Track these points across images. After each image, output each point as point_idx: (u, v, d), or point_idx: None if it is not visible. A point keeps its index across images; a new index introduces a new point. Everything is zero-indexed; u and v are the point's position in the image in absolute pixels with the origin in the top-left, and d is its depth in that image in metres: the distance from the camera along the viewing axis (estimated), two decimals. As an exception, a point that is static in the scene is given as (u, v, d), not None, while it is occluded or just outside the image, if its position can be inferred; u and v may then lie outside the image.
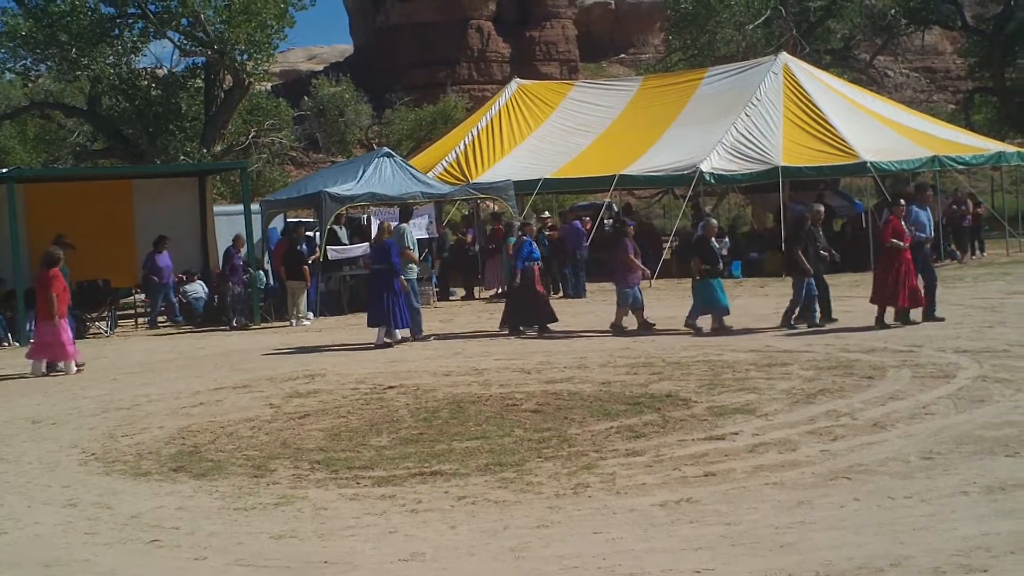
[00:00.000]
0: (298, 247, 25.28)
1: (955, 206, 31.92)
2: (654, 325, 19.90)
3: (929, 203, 19.89)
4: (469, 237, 31.01)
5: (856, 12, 52.70)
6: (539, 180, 32.62)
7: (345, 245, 27.75)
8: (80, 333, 22.98)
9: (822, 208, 21.27)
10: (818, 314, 19.05)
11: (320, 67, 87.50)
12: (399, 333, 20.03)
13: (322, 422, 12.65)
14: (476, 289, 29.69)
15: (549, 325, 20.40)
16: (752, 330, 19.02)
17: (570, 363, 16.28)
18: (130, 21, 39.18)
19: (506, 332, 20.54)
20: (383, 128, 67.19)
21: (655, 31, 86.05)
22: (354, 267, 27.26)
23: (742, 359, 15.66)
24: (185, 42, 39.23)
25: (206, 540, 8.36)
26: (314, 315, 25.53)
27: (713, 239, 19.98)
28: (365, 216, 29.65)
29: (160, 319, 26.65)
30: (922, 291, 18.59)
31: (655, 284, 28.05)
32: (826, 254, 19.56)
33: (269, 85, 63.13)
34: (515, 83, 40.55)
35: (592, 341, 19.03)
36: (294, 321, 24.75)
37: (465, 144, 36.36)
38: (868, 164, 30.01)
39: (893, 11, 53.88)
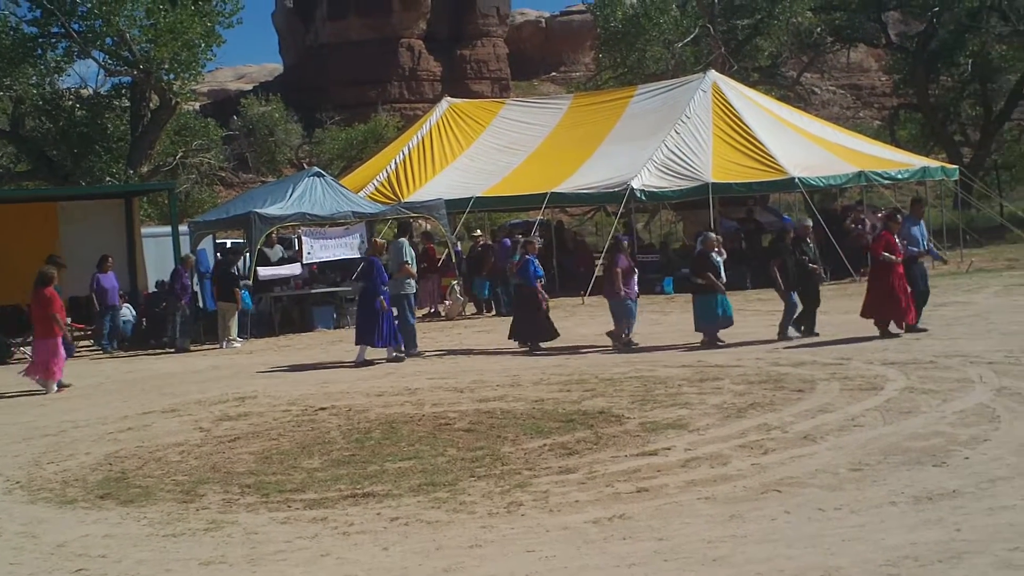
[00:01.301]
0: (231, 269, 25.10)
1: (856, 225, 32.21)
2: (637, 344, 19.60)
3: (922, 217, 20.02)
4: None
5: (783, 30, 53.18)
6: (471, 198, 32.58)
7: (276, 265, 27.55)
8: (2, 358, 22.67)
9: (810, 222, 21.32)
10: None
11: (249, 86, 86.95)
12: (374, 351, 19.87)
13: (253, 445, 12.53)
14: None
15: (541, 344, 20.12)
16: (678, 346, 19.10)
17: (503, 381, 16.26)
18: (53, 41, 38.68)
19: (526, 347, 20.26)
20: (314, 147, 66.89)
21: (585, 49, 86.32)
22: (285, 288, 27.10)
23: (674, 374, 15.72)
24: (110, 62, 38.80)
25: (134, 568, 8.24)
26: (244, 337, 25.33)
27: (714, 252, 19.79)
28: (296, 236, 29.48)
29: (86, 343, 26.21)
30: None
31: (588, 301, 28.15)
32: (815, 267, 19.61)
33: (197, 105, 62.73)
34: (446, 102, 40.52)
35: (524, 360, 19.02)
36: (224, 343, 24.53)
37: (396, 163, 36.23)
38: (796, 180, 30.28)
39: (819, 29, 54.46)
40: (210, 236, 29.37)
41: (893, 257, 18.34)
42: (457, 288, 28.42)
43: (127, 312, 26.34)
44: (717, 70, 39.88)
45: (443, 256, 30.26)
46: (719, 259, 19.82)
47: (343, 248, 27.33)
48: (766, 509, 8.60)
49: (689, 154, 31.87)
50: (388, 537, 8.58)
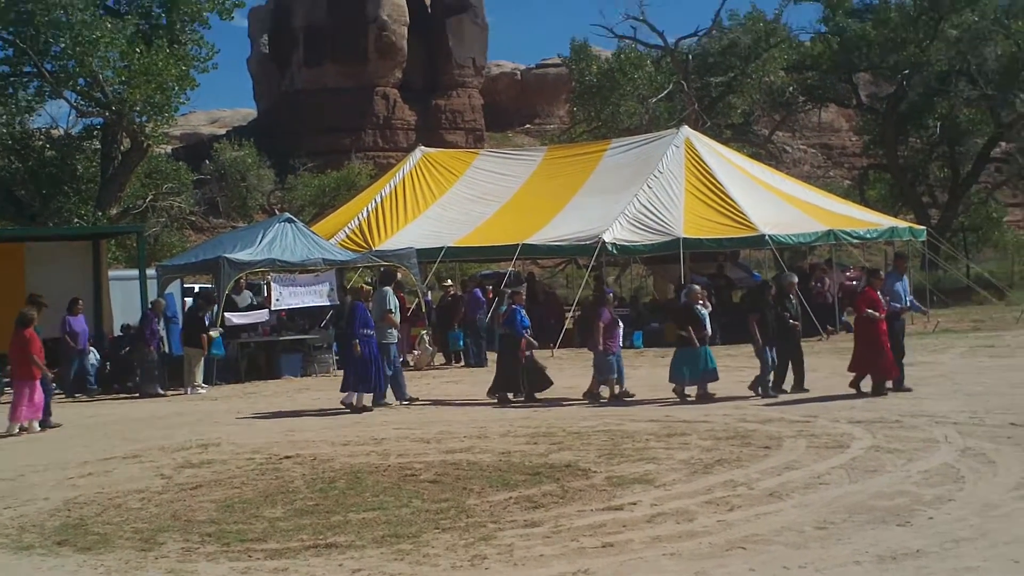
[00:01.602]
0: (199, 314, 24.99)
1: (815, 283, 32.34)
2: (633, 396, 19.53)
3: (905, 273, 20.19)
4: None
5: (756, 89, 53.62)
6: (442, 248, 32.56)
7: (244, 311, 27.44)
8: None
9: (795, 278, 21.30)
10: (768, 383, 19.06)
11: (223, 131, 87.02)
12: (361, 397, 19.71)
13: (214, 493, 12.41)
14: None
15: (536, 395, 19.97)
16: (650, 401, 19.09)
17: (470, 433, 16.19)
18: (25, 80, 38.64)
19: (499, 398, 20.13)
20: (285, 194, 66.86)
21: (560, 102, 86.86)
22: (252, 334, 26.97)
23: (642, 429, 15.69)
24: (82, 102, 38.74)
25: (90, 614, 8.12)
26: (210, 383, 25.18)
27: (698, 304, 19.73)
28: (266, 282, 29.38)
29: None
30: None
31: (557, 354, 28.12)
32: (797, 324, 19.52)
33: (169, 148, 62.66)
34: (419, 151, 40.59)
35: (492, 411, 18.97)
36: (189, 389, 24.36)
37: (368, 211, 36.21)
38: (767, 237, 30.43)
39: (791, 88, 54.90)
40: (178, 280, 29.19)
41: (876, 314, 18.41)
42: (426, 338, 28.35)
43: (92, 356, 26.10)
44: (690, 126, 40.09)
45: (413, 305, 30.19)
46: (704, 311, 19.77)
47: (313, 295, 27.21)
48: (731, 566, 8.56)
49: (661, 209, 31.99)
50: (349, 589, 8.50)
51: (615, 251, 31.32)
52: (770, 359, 19.01)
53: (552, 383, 20.29)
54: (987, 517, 9.77)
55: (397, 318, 21.05)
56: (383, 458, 14.21)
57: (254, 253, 26.42)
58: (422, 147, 42.37)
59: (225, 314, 26.10)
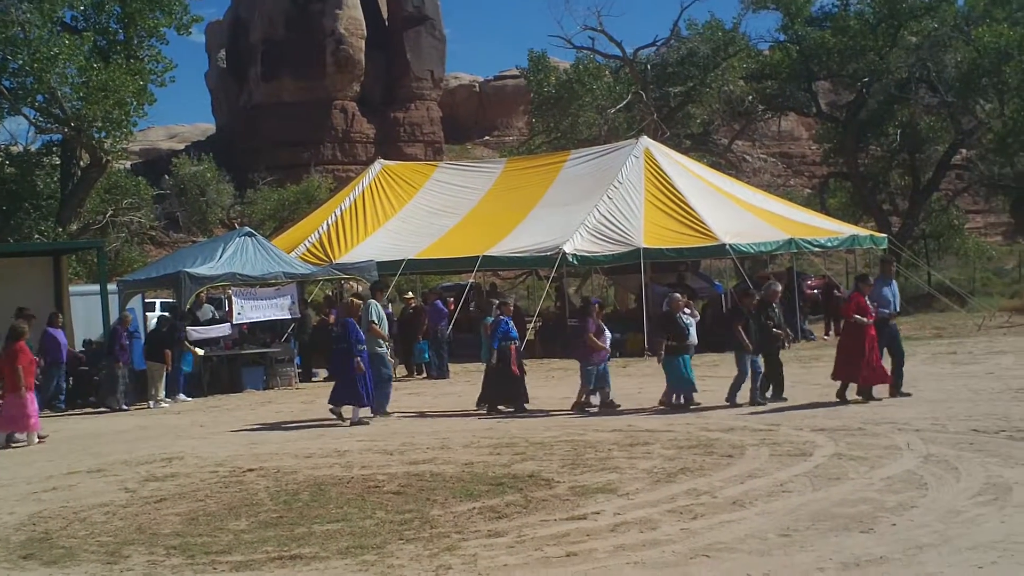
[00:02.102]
0: (162, 329, 24.90)
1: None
2: (619, 407, 19.49)
3: (893, 277, 20.11)
4: (332, 317, 30.68)
5: (715, 98, 53.79)
6: (403, 261, 32.54)
7: (205, 325, 27.35)
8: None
9: (779, 287, 21.14)
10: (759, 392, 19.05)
11: (181, 146, 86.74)
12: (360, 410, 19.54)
13: (179, 506, 12.36)
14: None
15: (525, 406, 19.90)
16: (645, 409, 19.14)
17: (433, 444, 16.18)
18: (-18, 97, 38.39)
19: (483, 410, 20.05)
20: (245, 208, 66.60)
21: (519, 114, 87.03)
22: (215, 348, 26.88)
23: (604, 439, 15.72)
24: (41, 119, 38.46)
25: (54, 630, 8.07)
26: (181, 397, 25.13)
27: (681, 313, 19.56)
28: (227, 296, 29.29)
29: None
30: (888, 367, 18.81)
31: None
32: (780, 332, 19.52)
33: (128, 163, 62.40)
34: (379, 164, 40.59)
35: (455, 421, 18.97)
36: (152, 403, 24.25)
37: (328, 224, 36.19)
38: (727, 246, 30.57)
39: (750, 97, 55.12)
40: (139, 295, 29.05)
41: (864, 319, 18.45)
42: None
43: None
44: (650, 136, 40.24)
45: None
46: (688, 320, 19.65)
47: (274, 309, 27.17)
48: (695, 574, 8.59)
49: (621, 219, 32.08)
50: (315, 601, 8.48)
51: (576, 262, 31.39)
52: (753, 368, 18.92)
53: (528, 400, 20.13)
54: (950, 523, 9.84)
55: (384, 329, 20.86)
56: (346, 470, 14.18)
57: (215, 267, 26.36)
58: (381, 160, 42.39)
59: (187, 328, 26.01)
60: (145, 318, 28.85)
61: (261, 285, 26.91)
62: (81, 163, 39.80)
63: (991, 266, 59.21)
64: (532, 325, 33.03)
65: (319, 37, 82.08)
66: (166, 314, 27.35)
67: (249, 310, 26.75)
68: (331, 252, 34.23)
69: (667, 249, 31.16)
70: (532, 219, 33.90)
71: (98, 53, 37.55)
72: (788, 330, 20.42)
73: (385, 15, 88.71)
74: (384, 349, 20.68)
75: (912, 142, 51.50)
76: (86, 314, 26.70)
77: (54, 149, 40.77)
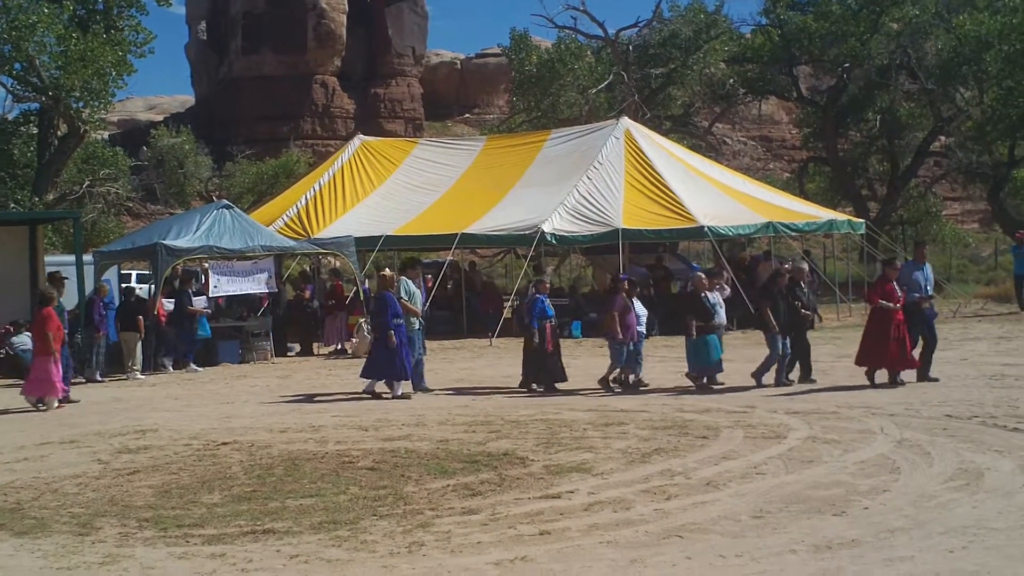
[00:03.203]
0: (132, 298, 24.81)
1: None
2: (647, 385, 19.37)
3: (925, 261, 19.68)
4: (307, 293, 30.60)
5: (696, 80, 53.80)
6: (381, 237, 32.45)
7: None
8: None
9: (805, 266, 20.84)
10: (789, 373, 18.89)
11: (160, 117, 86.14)
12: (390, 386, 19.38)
13: (152, 479, 12.33)
14: (315, 345, 29.34)
15: (556, 384, 19.54)
16: (588, 390, 19.15)
17: (408, 421, 16.17)
18: (-41, 65, 38.14)
19: (521, 388, 19.71)
20: (223, 181, 66.36)
21: (500, 92, 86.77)
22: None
23: (580, 418, 15.74)
24: (18, 87, 38.27)
25: (24, 600, 8.05)
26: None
27: (707, 293, 19.35)
28: (203, 269, 29.15)
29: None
30: (917, 352, 18.53)
31: (496, 343, 28.16)
32: (808, 313, 19.12)
33: (106, 134, 62.08)
34: (358, 139, 40.40)
35: (430, 400, 18.96)
36: (128, 375, 24.19)
37: (307, 199, 36.00)
38: (705, 228, 30.59)
39: (731, 81, 55.17)
40: (115, 267, 28.90)
41: (890, 304, 18.13)
42: (365, 326, 28.19)
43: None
44: (630, 117, 40.23)
45: (351, 294, 30.06)
46: (715, 298, 19.48)
47: (251, 283, 27.04)
48: (668, 555, 8.61)
49: (600, 200, 32.06)
50: (287, 575, 8.47)
51: (554, 241, 31.36)
52: (778, 349, 18.69)
53: (566, 379, 19.77)
54: (922, 507, 9.89)
55: (418, 307, 20.44)
56: (321, 445, 14.17)
57: (192, 240, 26.21)
58: (361, 135, 42.19)
59: (163, 300, 25.94)
60: (120, 289, 28.56)
61: (238, 258, 26.79)
62: (58, 133, 39.67)
63: (967, 253, 59.52)
64: (509, 304, 33.04)
65: (301, 11, 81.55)
66: (135, 286, 27.29)
67: (226, 283, 26.62)
68: (309, 227, 34.07)
69: (646, 230, 31.15)
70: (511, 198, 33.84)
71: (77, 22, 37.40)
72: (817, 310, 19.97)
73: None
74: (417, 326, 20.31)
75: (891, 128, 51.70)
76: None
77: (31, 118, 40.61)
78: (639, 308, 19.95)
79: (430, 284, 31.07)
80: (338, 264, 33.72)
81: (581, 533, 9.33)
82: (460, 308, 32.92)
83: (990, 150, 48.07)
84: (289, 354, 28.77)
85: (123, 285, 28.64)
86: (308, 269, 35.26)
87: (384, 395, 19.23)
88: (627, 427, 14.75)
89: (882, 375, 18.46)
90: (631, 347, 19.45)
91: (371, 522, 9.92)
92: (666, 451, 12.89)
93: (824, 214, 36.30)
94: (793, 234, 34.82)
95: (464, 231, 32.01)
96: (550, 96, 52.69)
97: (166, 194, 65.63)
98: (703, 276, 19.99)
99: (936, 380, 18.49)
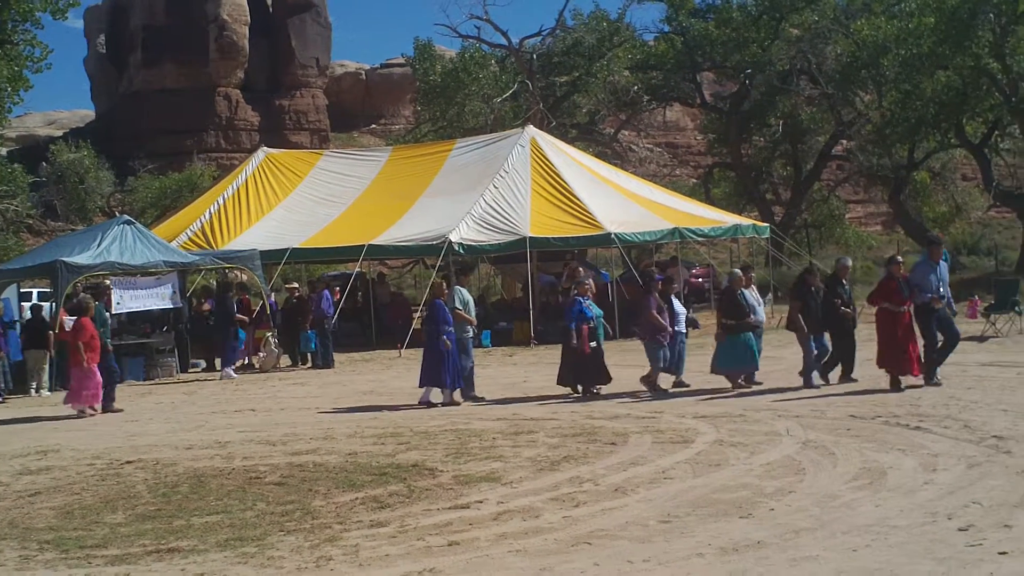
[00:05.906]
0: (40, 314, 24.44)
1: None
2: (688, 385, 19.21)
3: (939, 260, 18.27)
4: (206, 307, 30.15)
5: (600, 88, 54.05)
6: (287, 249, 32.22)
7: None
8: None
9: (849, 261, 20.39)
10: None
11: (60, 132, 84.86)
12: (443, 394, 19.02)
13: (54, 500, 12.10)
14: (217, 360, 28.99)
15: (600, 387, 19.22)
16: (504, 400, 19.14)
17: (316, 434, 16.04)
18: None
19: (573, 391, 19.32)
20: (126, 196, 65.47)
21: (405, 102, 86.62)
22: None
23: (489, 427, 15.72)
24: (-87, 104, 37.49)
25: (-81, 629, 7.84)
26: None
27: (744, 290, 19.00)
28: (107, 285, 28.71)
29: None
30: (921, 354, 17.83)
31: (405, 354, 28.07)
32: (848, 311, 18.61)
33: (4, 150, 60.86)
34: (262, 152, 40.09)
35: (339, 413, 18.83)
36: (34, 392, 23.80)
37: (211, 212, 35.64)
38: (613, 235, 30.76)
39: (636, 88, 55.52)
40: (14, 285, 28.38)
41: (893, 307, 17.67)
42: (272, 340, 27.97)
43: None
44: (536, 126, 40.33)
45: (257, 308, 29.79)
46: (752, 297, 19.23)
47: (154, 298, 26.65)
48: (577, 562, 8.61)
49: (507, 208, 32.12)
50: (192, 594, 8.35)
51: (462, 251, 31.32)
52: (812, 348, 18.39)
53: (610, 380, 19.41)
54: (827, 508, 9.98)
55: (472, 315, 19.84)
56: (227, 461, 14.01)
57: (93, 256, 25.79)
58: (265, 148, 41.88)
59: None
60: (21, 308, 28.04)
61: (141, 274, 26.42)
62: (-45, 150, 38.88)
63: (871, 255, 60.38)
64: (418, 314, 32.93)
65: (202, 23, 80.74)
66: (41, 303, 26.90)
67: (128, 300, 26.24)
68: (214, 241, 33.74)
69: (553, 238, 31.27)
70: (418, 208, 33.78)
71: (-29, 38, 36.67)
72: (855, 308, 19.45)
73: (269, 1, 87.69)
74: (470, 334, 19.86)
75: (794, 133, 52.41)
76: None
77: (-74, 135, 39.77)
78: (678, 307, 19.83)
79: (337, 296, 30.89)
80: (244, 278, 33.40)
81: (490, 543, 9.30)
82: (368, 320, 32.78)
83: (890, 153, 48.83)
84: (193, 370, 28.43)
85: (29, 303, 28.18)
86: (217, 283, 34.88)
87: (439, 403, 18.86)
88: (536, 435, 14.75)
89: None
90: (674, 346, 19.17)
91: (278, 538, 9.81)
92: (575, 458, 12.90)
93: (730, 219, 36.70)
94: (699, 239, 35.14)
95: (371, 242, 31.89)
96: (455, 106, 52.62)
97: (67, 210, 64.60)
98: (740, 273, 19.69)
99: (939, 384, 17.68)
